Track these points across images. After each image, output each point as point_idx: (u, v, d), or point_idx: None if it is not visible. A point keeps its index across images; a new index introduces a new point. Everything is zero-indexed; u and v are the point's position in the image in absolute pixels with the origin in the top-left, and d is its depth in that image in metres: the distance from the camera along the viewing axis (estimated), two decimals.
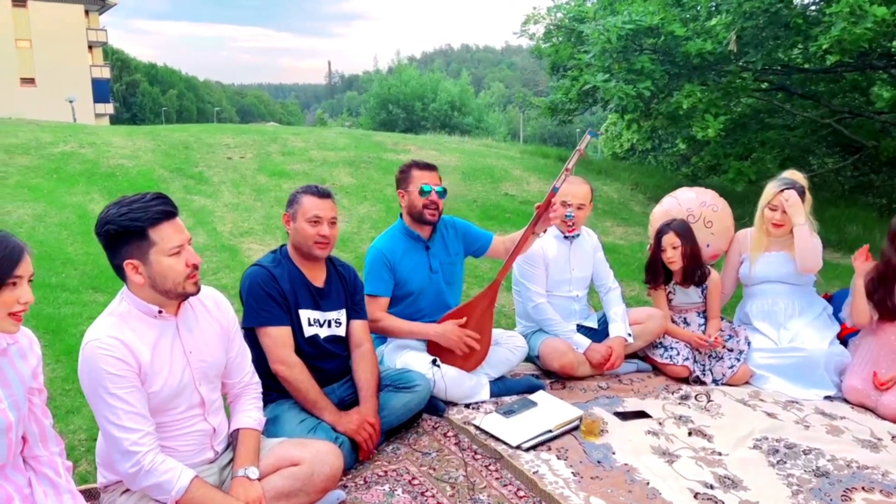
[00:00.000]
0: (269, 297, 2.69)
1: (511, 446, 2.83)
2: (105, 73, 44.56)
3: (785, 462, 2.80)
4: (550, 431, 2.92)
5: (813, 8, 7.81)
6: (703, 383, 3.60)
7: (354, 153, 9.40)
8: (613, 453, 2.82)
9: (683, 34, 7.57)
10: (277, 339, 2.68)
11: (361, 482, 2.59)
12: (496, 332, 3.41)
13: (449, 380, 3.13)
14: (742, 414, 3.26)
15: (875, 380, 3.35)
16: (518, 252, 3.34)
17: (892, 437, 3.06)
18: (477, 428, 2.98)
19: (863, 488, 2.62)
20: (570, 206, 3.55)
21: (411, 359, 3.18)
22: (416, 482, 2.60)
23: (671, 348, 3.68)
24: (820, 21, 7.16)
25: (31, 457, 1.87)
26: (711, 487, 2.59)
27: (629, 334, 3.62)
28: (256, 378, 2.40)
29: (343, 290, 2.92)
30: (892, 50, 8.49)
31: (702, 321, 3.83)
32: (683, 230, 3.71)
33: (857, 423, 3.19)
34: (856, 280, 3.54)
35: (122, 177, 7.40)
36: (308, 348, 2.77)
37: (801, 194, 3.68)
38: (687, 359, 3.63)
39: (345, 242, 5.74)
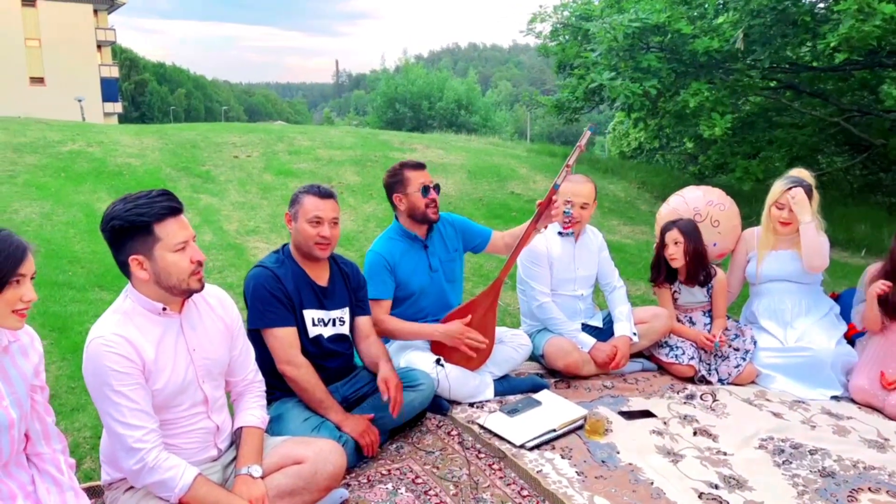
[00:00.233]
0: (273, 298, 2.68)
1: (515, 445, 2.82)
2: (114, 72, 44.76)
3: (791, 462, 2.79)
4: (554, 431, 2.92)
5: (821, 5, 7.76)
6: (708, 383, 3.59)
7: (361, 152, 9.40)
8: (618, 453, 2.81)
9: (690, 32, 7.53)
10: (284, 339, 2.68)
11: (365, 481, 2.59)
12: (500, 331, 3.41)
13: (453, 379, 3.12)
14: (748, 414, 3.24)
15: (882, 379, 3.33)
16: (520, 249, 3.34)
17: None
18: (481, 427, 2.97)
19: (869, 489, 2.61)
20: (571, 203, 3.54)
21: (415, 358, 3.18)
22: (419, 481, 2.60)
23: (677, 348, 3.67)
24: (828, 18, 7.12)
25: (33, 454, 1.88)
26: (716, 487, 2.58)
27: (634, 333, 3.61)
28: (260, 376, 2.41)
29: (346, 288, 2.92)
30: None
31: (707, 320, 3.81)
32: (688, 228, 3.70)
33: (864, 424, 3.17)
34: (870, 290, 3.48)
35: (130, 175, 7.42)
36: (312, 348, 2.77)
37: (809, 192, 3.66)
38: (692, 358, 3.61)
39: (350, 241, 5.75)
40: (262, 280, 2.71)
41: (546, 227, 3.36)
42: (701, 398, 3.39)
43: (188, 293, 2.09)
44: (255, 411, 2.30)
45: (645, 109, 8.90)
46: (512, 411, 3.06)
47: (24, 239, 1.76)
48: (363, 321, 2.95)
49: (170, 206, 2.00)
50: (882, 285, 3.40)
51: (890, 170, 10.71)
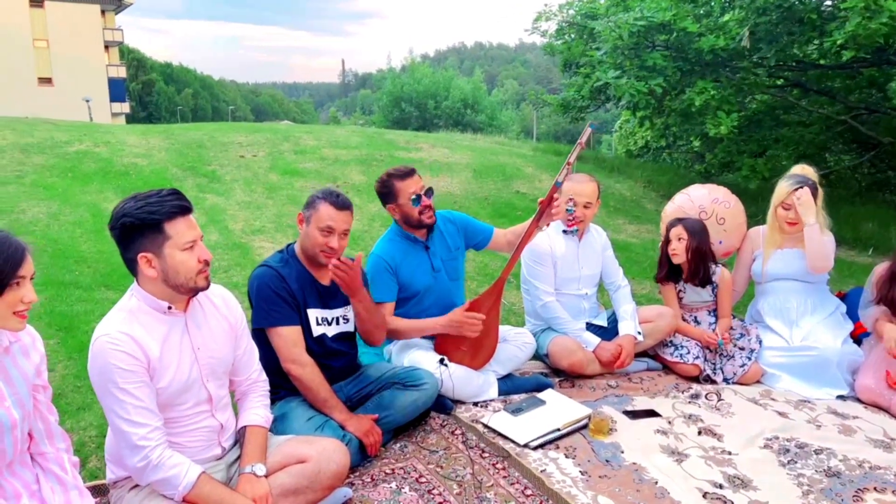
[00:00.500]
0: (278, 297, 2.69)
1: (519, 445, 2.82)
2: (121, 72, 44.99)
3: (796, 462, 2.78)
4: (559, 430, 2.91)
5: (828, 3, 7.72)
6: (713, 382, 3.58)
7: (366, 151, 9.41)
8: (622, 452, 2.81)
9: (696, 30, 7.50)
10: (288, 338, 2.68)
11: (368, 480, 2.59)
12: (504, 329, 3.40)
13: (457, 378, 3.12)
14: (753, 413, 3.23)
15: (888, 379, 3.31)
16: (522, 247, 3.33)
17: None
18: (485, 426, 2.97)
19: (875, 488, 2.59)
20: (574, 202, 3.53)
21: (419, 357, 3.18)
22: (423, 480, 2.60)
23: (682, 347, 3.66)
24: (835, 16, 7.07)
25: (37, 453, 1.89)
26: (721, 487, 2.57)
27: (639, 332, 3.60)
28: (264, 376, 2.42)
29: None
30: None
31: (712, 320, 3.80)
32: (693, 226, 3.69)
33: (869, 423, 3.15)
34: (887, 347, 3.35)
35: (136, 175, 7.45)
36: (316, 347, 2.77)
37: (814, 191, 3.64)
38: (697, 357, 3.60)
39: (355, 240, 5.75)
40: (266, 279, 2.71)
41: (548, 226, 3.35)
42: (706, 397, 3.38)
43: (195, 291, 2.10)
44: (258, 410, 2.31)
45: (650, 108, 8.87)
46: (516, 410, 3.06)
47: (21, 239, 1.75)
48: None
49: (180, 205, 2.02)
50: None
51: None
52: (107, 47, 43.47)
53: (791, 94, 10.18)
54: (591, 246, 3.75)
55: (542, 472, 2.63)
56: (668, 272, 3.79)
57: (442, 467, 2.70)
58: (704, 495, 2.51)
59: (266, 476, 2.14)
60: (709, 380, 3.59)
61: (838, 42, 6.54)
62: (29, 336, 1.89)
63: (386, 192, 3.24)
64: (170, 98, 63.56)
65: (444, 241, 3.40)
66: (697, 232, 3.69)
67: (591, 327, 3.70)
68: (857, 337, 3.71)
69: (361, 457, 2.67)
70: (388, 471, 2.66)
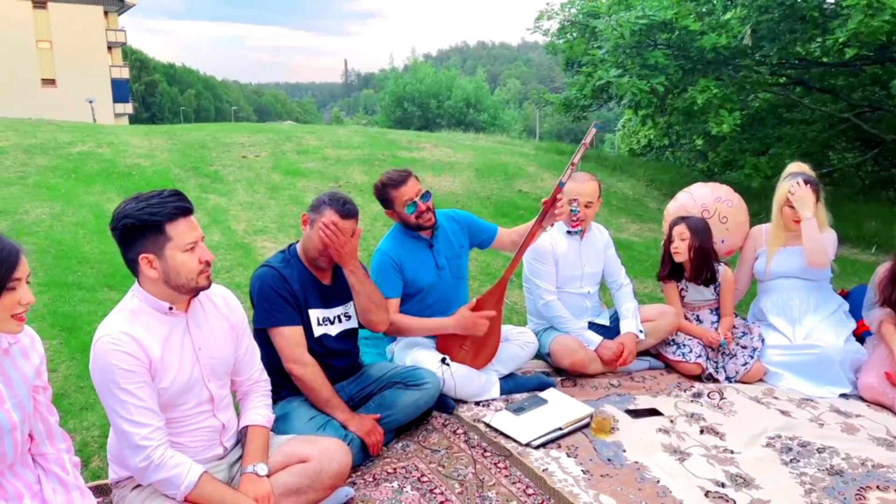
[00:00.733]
0: (280, 297, 2.69)
1: (521, 444, 2.82)
2: (124, 73, 45.00)
3: (798, 460, 2.77)
4: (560, 429, 2.91)
5: (830, 0, 7.70)
6: (716, 381, 3.57)
7: (369, 151, 9.42)
8: (624, 451, 2.81)
9: (698, 29, 7.49)
10: (290, 338, 2.69)
11: (370, 479, 2.59)
12: (506, 329, 3.40)
13: (458, 378, 3.13)
14: (755, 412, 3.22)
15: (891, 377, 3.30)
16: (525, 248, 3.33)
17: None
18: (487, 425, 2.97)
19: (877, 487, 2.59)
20: (576, 202, 3.53)
21: (421, 356, 3.18)
22: (425, 479, 2.60)
23: (684, 345, 3.65)
24: (837, 14, 7.06)
25: (38, 454, 1.89)
26: (723, 486, 2.57)
27: (641, 331, 3.60)
28: (265, 375, 2.42)
29: None
30: None
31: (715, 318, 3.80)
32: (697, 226, 3.69)
33: (872, 422, 3.15)
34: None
35: (139, 176, 7.46)
36: (318, 348, 2.78)
37: (815, 188, 3.64)
38: (700, 356, 3.60)
39: None
40: (268, 280, 2.72)
41: (552, 226, 3.35)
42: (708, 396, 3.38)
43: (196, 291, 2.10)
44: (260, 410, 2.32)
45: (652, 106, 8.86)
46: (518, 410, 3.06)
47: (14, 241, 1.73)
48: None
49: (181, 207, 2.02)
50: None
51: None
52: (110, 48, 43.53)
53: (794, 92, 10.16)
54: (592, 244, 3.75)
55: (543, 471, 2.63)
56: (671, 271, 3.79)
57: (444, 466, 2.70)
58: (706, 494, 2.50)
59: (268, 476, 2.15)
60: (711, 378, 3.58)
61: (841, 40, 6.52)
62: (28, 337, 1.88)
63: (382, 199, 3.25)
64: (173, 99, 63.64)
65: (449, 240, 3.40)
66: (700, 230, 3.69)
67: (593, 326, 3.70)
68: (860, 335, 3.70)
69: (363, 456, 2.67)
70: (389, 470, 2.67)
